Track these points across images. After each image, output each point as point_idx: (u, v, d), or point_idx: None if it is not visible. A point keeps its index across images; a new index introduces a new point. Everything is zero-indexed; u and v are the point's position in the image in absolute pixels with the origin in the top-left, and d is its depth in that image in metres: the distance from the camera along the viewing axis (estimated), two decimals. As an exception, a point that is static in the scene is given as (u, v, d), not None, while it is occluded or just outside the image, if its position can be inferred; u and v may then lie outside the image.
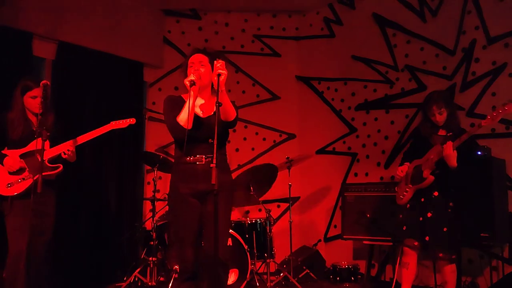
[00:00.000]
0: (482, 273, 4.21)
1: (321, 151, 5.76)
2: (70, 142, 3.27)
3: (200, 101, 2.83)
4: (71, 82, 4.84)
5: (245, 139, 5.91)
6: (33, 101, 3.26)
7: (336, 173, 5.56)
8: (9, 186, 3.18)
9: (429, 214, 3.42)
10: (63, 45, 4.83)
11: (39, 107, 3.10)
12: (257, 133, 5.95)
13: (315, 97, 5.89)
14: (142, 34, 5.61)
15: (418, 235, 3.44)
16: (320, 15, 5.90)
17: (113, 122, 3.41)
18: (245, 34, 6.03)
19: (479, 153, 4.07)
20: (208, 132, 2.67)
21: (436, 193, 3.45)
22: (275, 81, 6.00)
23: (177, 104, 2.75)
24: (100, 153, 5.08)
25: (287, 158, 4.78)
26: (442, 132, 3.53)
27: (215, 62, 2.58)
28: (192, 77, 2.62)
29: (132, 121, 3.43)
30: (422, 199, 3.48)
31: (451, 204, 3.44)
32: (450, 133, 3.46)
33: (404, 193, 3.57)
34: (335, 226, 5.50)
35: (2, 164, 3.22)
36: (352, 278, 4.79)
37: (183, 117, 2.63)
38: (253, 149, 5.91)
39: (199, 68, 2.75)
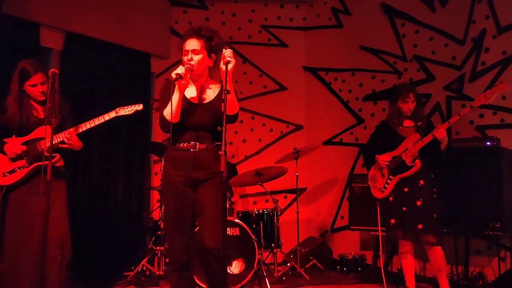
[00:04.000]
0: (490, 264, 4.18)
1: (328, 142, 5.74)
2: (71, 129, 3.12)
3: (192, 89, 2.73)
4: (78, 73, 4.84)
5: (252, 130, 5.90)
6: (33, 89, 3.13)
7: (343, 164, 5.55)
8: (4, 175, 3.10)
9: (418, 203, 3.48)
10: (70, 35, 4.83)
11: (41, 95, 3.09)
12: (264, 124, 5.94)
13: (323, 88, 5.86)
14: (149, 25, 5.60)
15: (406, 225, 3.50)
16: (327, 5, 5.86)
17: (118, 109, 3.16)
18: (252, 24, 6.00)
19: (488, 143, 4.05)
20: (201, 120, 2.64)
21: (422, 182, 3.53)
22: (282, 72, 5.98)
23: (168, 95, 2.59)
24: (107, 143, 5.10)
25: (295, 149, 4.77)
26: (408, 123, 3.66)
27: (223, 50, 2.50)
28: (179, 71, 2.51)
29: (139, 107, 3.14)
30: (406, 189, 3.54)
31: (435, 189, 3.56)
32: (420, 123, 3.61)
33: (386, 185, 3.62)
34: (342, 217, 5.50)
35: (4, 153, 3.12)
36: (359, 269, 4.80)
37: (168, 112, 2.54)
38: (260, 140, 5.91)
39: (191, 58, 2.61)
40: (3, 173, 3.12)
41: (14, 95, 3.16)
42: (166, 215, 2.72)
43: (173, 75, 2.50)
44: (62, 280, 3.09)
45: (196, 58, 2.62)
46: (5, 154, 3.13)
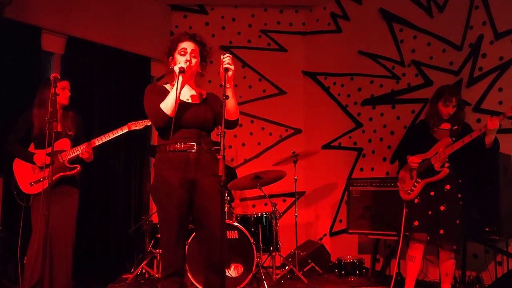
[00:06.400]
0: (487, 268, 4.21)
1: (327, 146, 5.77)
2: (87, 143, 3.44)
3: (187, 89, 2.71)
4: (79, 77, 4.88)
5: (251, 133, 5.94)
6: (62, 92, 3.44)
7: (341, 168, 5.58)
8: (32, 185, 3.35)
9: (442, 208, 3.43)
10: (71, 40, 4.87)
11: (67, 99, 3.43)
12: (263, 128, 5.97)
13: (322, 92, 5.90)
14: (149, 29, 5.65)
15: (430, 229, 3.45)
16: (327, 10, 5.90)
17: (130, 124, 3.53)
18: (252, 29, 6.04)
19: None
20: (196, 120, 2.59)
21: (448, 187, 3.47)
22: (282, 76, 6.02)
23: (159, 92, 2.62)
24: (107, 147, 5.11)
25: (293, 152, 4.80)
26: (445, 125, 3.58)
27: (222, 56, 2.46)
28: (183, 65, 2.53)
29: (148, 122, 3.42)
30: (432, 193, 3.49)
31: (459, 195, 3.49)
32: (455, 127, 3.53)
33: (413, 188, 3.57)
34: (340, 221, 5.52)
35: (33, 162, 3.35)
36: (357, 272, 4.81)
37: (167, 104, 2.50)
38: (259, 143, 5.94)
39: (191, 58, 2.64)
40: (30, 183, 3.37)
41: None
42: (162, 220, 2.57)
43: (177, 68, 2.52)
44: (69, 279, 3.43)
45: (194, 60, 2.67)
46: (33, 163, 3.36)
